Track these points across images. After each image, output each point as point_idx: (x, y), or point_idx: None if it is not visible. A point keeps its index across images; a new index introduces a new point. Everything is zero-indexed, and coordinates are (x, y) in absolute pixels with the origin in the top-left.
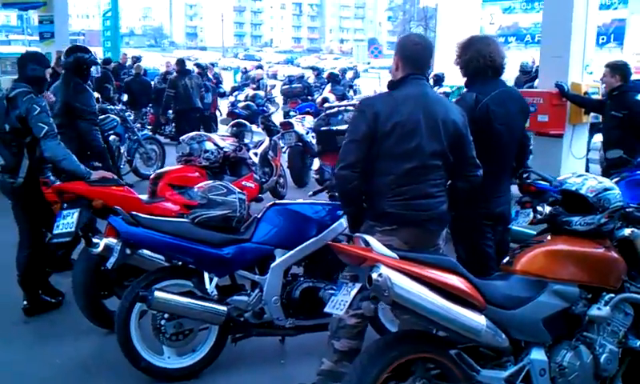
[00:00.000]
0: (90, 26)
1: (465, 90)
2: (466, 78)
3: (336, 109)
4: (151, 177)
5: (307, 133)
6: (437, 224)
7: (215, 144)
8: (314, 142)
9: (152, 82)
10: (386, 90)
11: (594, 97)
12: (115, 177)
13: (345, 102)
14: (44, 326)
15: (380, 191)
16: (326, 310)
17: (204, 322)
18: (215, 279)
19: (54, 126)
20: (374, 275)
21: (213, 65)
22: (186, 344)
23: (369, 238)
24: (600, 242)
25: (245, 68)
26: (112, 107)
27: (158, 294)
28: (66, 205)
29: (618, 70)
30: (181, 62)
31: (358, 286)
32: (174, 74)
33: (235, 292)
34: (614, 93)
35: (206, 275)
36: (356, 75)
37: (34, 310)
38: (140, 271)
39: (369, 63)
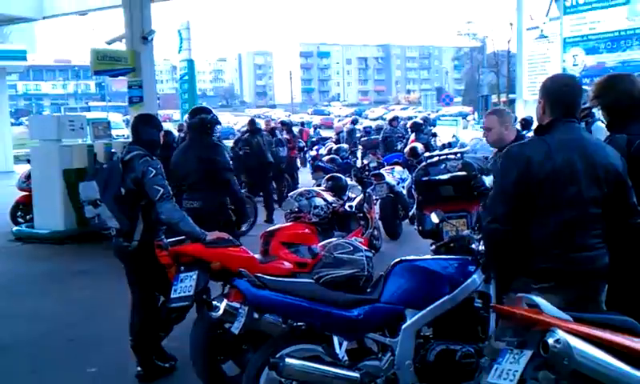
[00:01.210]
0: (164, 90)
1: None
2: (609, 119)
3: (436, 158)
4: (262, 235)
5: (398, 183)
6: (599, 279)
7: (324, 199)
8: (404, 192)
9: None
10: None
11: None
12: (231, 237)
13: (446, 151)
14: None
15: (535, 245)
16: (490, 380)
17: None
18: (345, 343)
19: (169, 189)
20: (551, 341)
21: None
22: None
23: (537, 298)
24: None
25: (302, 122)
26: None
27: (289, 360)
28: (182, 268)
29: None
30: (252, 122)
31: (528, 353)
32: (247, 133)
33: (363, 356)
34: None
35: (335, 339)
36: (432, 123)
37: (148, 376)
38: (257, 334)
39: (438, 111)
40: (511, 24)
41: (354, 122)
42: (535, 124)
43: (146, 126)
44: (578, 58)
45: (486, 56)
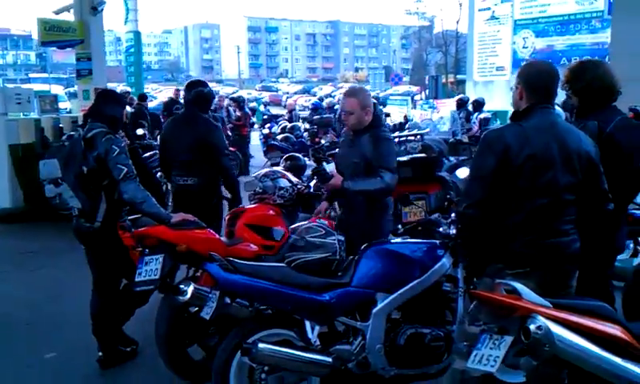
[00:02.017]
0: (107, 62)
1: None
2: (579, 105)
3: (397, 140)
4: (227, 217)
5: None
6: (572, 264)
7: (289, 181)
8: None
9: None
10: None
11: None
12: (197, 219)
13: (406, 133)
14: (120, 380)
15: (510, 230)
16: (470, 365)
17: (308, 375)
18: (317, 328)
19: (133, 168)
20: (533, 327)
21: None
22: None
23: (517, 284)
24: None
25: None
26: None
27: (262, 345)
28: (147, 250)
29: None
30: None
31: (509, 339)
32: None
33: (335, 340)
34: None
35: (307, 323)
36: (382, 103)
37: (110, 361)
38: (224, 318)
39: (385, 90)
40: (460, 4)
41: (321, 100)
42: (487, 105)
43: (109, 102)
44: (528, 40)
45: (434, 36)
